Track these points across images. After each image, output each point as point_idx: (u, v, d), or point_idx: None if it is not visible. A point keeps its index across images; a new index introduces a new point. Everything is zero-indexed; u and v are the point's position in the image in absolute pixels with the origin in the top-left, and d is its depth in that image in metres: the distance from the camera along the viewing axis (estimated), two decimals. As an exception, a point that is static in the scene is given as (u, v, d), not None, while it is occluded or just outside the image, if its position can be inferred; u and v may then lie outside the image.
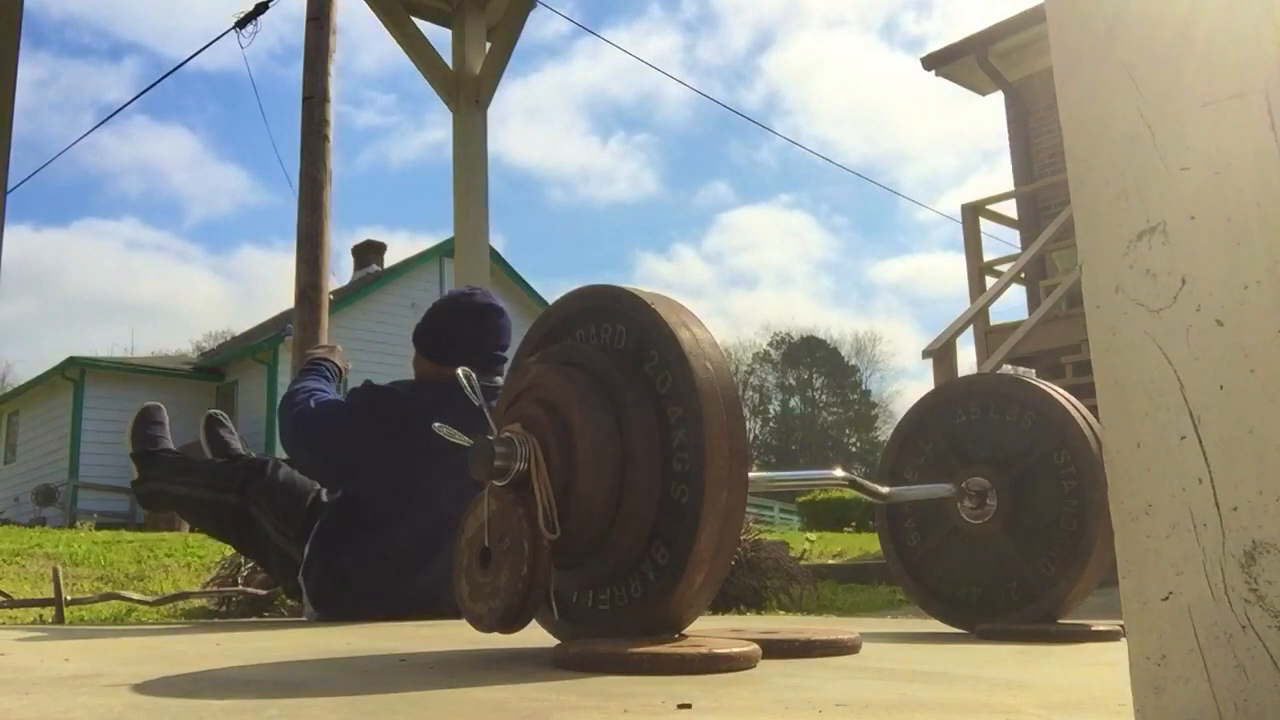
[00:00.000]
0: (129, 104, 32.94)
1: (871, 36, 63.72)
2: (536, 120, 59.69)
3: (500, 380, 2.41)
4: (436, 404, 2.19)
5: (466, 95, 4.97)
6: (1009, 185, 8.94)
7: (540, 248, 61.51)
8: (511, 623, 1.11)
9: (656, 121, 61.98)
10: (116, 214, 59.67)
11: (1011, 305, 29.49)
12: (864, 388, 43.11)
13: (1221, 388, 0.56)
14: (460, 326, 2.48)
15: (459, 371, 1.28)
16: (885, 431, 36.83)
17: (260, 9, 7.33)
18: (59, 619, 3.32)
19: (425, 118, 59.49)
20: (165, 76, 25.56)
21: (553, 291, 21.86)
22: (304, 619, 2.34)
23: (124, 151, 56.77)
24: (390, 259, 20.14)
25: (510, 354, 2.48)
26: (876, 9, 62.84)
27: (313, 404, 2.42)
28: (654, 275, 56.28)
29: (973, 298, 7.58)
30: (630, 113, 62.08)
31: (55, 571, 3.59)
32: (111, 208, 58.96)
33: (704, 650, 1.06)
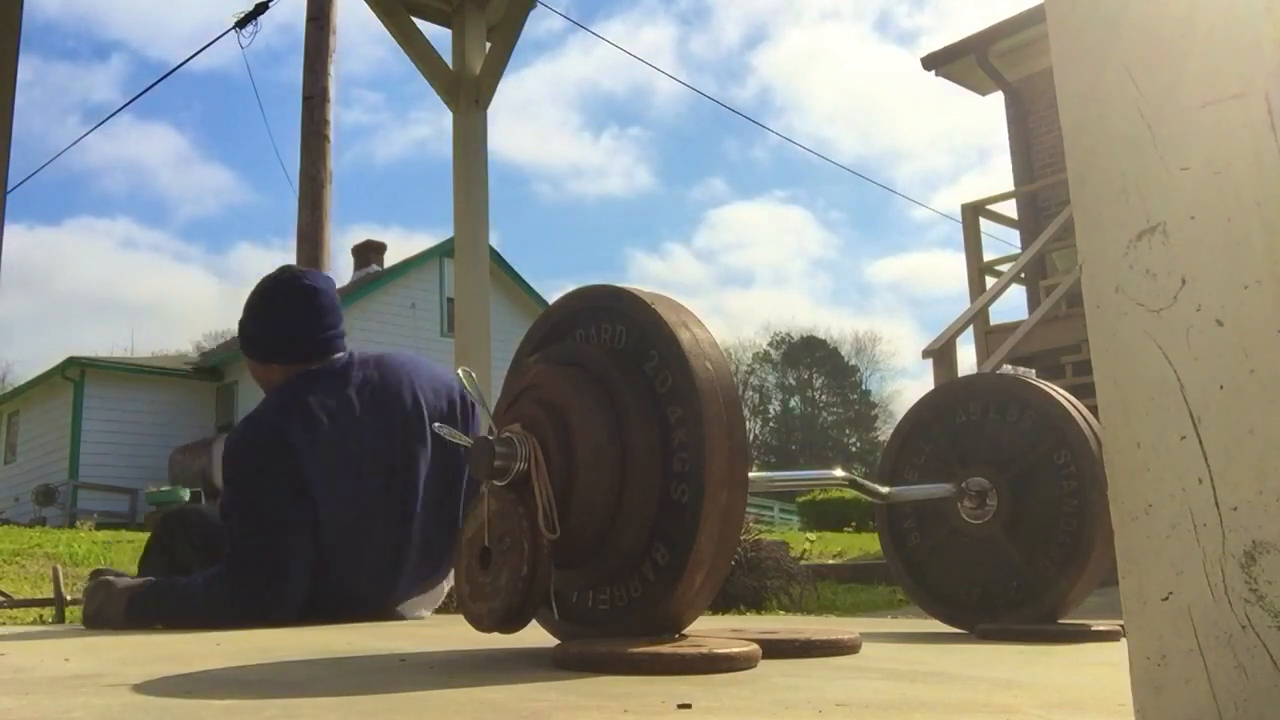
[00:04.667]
0: (125, 106, 32.94)
1: (865, 29, 63.86)
2: (528, 116, 59.74)
3: (339, 355, 2.26)
4: (300, 418, 2.08)
5: (466, 95, 4.97)
6: (1003, 183, 8.96)
7: (533, 245, 61.68)
8: (511, 623, 1.11)
9: (649, 116, 62.06)
10: (109, 213, 59.88)
11: (1011, 305, 29.49)
12: (864, 388, 43.16)
13: (1221, 388, 0.56)
14: (278, 320, 2.26)
15: (459, 371, 1.28)
16: (885, 431, 36.84)
17: (260, 9, 7.34)
18: (59, 619, 3.32)
19: (416, 115, 59.61)
20: (164, 77, 25.60)
21: (545, 290, 21.89)
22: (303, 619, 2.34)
23: (109, 149, 56.97)
24: (387, 257, 20.16)
25: (343, 328, 2.31)
26: (871, 1, 63.01)
27: (216, 579, 2.07)
28: (647, 273, 56.40)
29: (973, 298, 7.59)
30: (623, 107, 62.19)
31: (55, 571, 3.59)
32: (102, 206, 59.14)
33: (704, 650, 1.06)
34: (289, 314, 2.26)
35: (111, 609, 2.11)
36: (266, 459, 2.09)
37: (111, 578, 2.23)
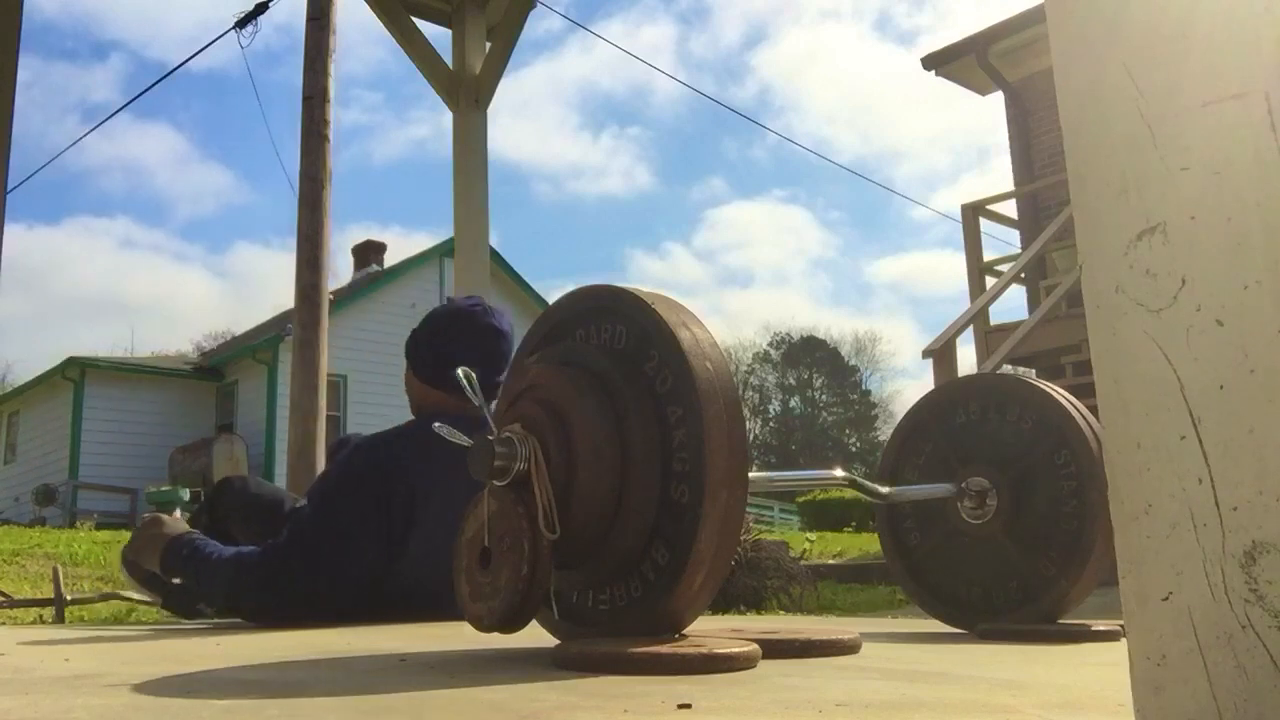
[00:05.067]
0: (124, 106, 32.93)
1: (865, 28, 63.90)
2: (528, 115, 59.71)
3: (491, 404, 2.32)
4: (424, 454, 2.05)
5: (466, 95, 4.98)
6: (1003, 183, 8.97)
7: (533, 245, 61.69)
8: (511, 623, 1.11)
9: (649, 116, 62.07)
10: (109, 212, 59.91)
11: (1011, 305, 29.51)
12: (864, 388, 43.19)
13: (1221, 388, 0.56)
14: (458, 350, 2.23)
15: (459, 371, 1.28)
16: (885, 431, 36.87)
17: (260, 9, 7.34)
18: (59, 619, 3.32)
19: (416, 115, 59.64)
20: (164, 77, 25.54)
21: (545, 290, 21.90)
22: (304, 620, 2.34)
23: (108, 149, 56.97)
24: (387, 257, 20.16)
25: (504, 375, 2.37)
26: (870, 1, 63.04)
27: (271, 543, 2.07)
28: (647, 273, 56.44)
29: (973, 298, 7.59)
30: (623, 107, 62.22)
31: (55, 571, 3.60)
32: (101, 206, 59.13)
33: (704, 650, 1.06)
34: (472, 348, 2.24)
35: (148, 554, 2.20)
36: (370, 476, 2.10)
37: (166, 517, 2.30)
